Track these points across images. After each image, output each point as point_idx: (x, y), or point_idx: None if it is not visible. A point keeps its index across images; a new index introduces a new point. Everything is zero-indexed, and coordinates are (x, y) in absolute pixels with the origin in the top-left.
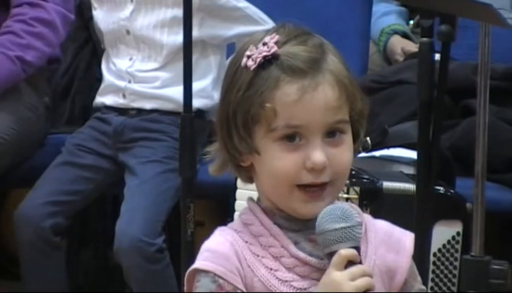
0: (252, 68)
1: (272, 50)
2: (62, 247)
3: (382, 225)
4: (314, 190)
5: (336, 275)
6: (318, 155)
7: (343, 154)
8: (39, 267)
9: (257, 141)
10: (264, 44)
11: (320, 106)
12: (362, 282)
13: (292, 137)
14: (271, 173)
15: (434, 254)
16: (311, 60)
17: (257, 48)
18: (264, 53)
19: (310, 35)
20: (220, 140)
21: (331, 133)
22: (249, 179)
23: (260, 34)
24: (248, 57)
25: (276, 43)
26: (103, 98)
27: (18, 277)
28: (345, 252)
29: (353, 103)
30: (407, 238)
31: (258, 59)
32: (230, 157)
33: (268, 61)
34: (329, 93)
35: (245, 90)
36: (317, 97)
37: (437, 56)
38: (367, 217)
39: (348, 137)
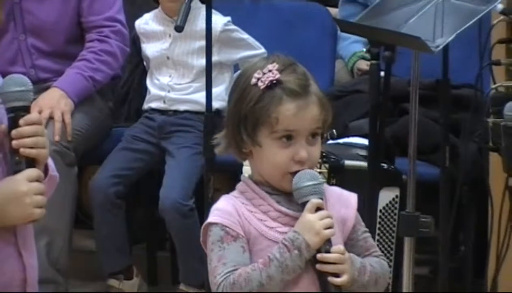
0: (261, 87)
1: (277, 77)
2: (122, 207)
3: (335, 189)
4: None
5: (309, 217)
6: (303, 152)
7: (317, 150)
8: (106, 221)
9: (261, 138)
10: (269, 70)
11: (308, 118)
12: (327, 221)
13: (287, 138)
14: (269, 162)
15: (380, 211)
16: (303, 85)
17: (263, 73)
18: (271, 78)
19: (295, 65)
20: (229, 132)
21: (312, 136)
22: (244, 159)
23: (261, 61)
24: (258, 79)
25: (277, 70)
26: (150, 104)
27: (92, 227)
28: (316, 200)
29: (326, 116)
30: (353, 197)
31: (266, 82)
32: (235, 144)
33: (274, 84)
34: (315, 111)
35: (255, 103)
36: (307, 113)
37: (382, 73)
38: (325, 185)
39: (319, 139)
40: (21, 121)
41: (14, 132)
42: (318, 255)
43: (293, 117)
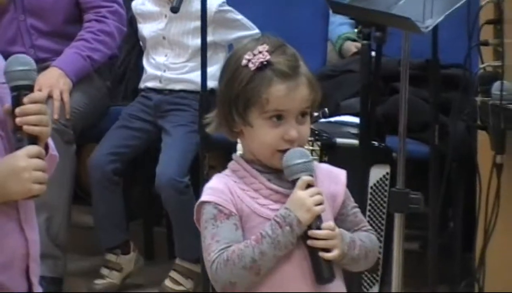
0: (252, 69)
1: (267, 58)
2: (119, 184)
3: (324, 166)
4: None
5: (301, 193)
6: (293, 131)
7: (306, 129)
8: (104, 197)
9: (252, 118)
10: (260, 52)
11: (298, 99)
12: (318, 198)
13: (277, 117)
14: (260, 142)
15: (371, 187)
16: (293, 67)
17: (254, 54)
18: (261, 60)
19: (285, 46)
20: (220, 112)
21: (301, 115)
22: (235, 138)
23: (252, 42)
24: (248, 60)
25: (267, 51)
26: (146, 83)
27: (90, 203)
28: (306, 178)
29: (315, 96)
30: (342, 174)
31: (257, 63)
32: (226, 124)
33: (264, 65)
34: (304, 91)
35: (246, 83)
36: (297, 93)
37: (373, 54)
38: (315, 163)
39: (308, 118)
40: (25, 99)
41: (18, 110)
42: (309, 232)
43: (283, 98)
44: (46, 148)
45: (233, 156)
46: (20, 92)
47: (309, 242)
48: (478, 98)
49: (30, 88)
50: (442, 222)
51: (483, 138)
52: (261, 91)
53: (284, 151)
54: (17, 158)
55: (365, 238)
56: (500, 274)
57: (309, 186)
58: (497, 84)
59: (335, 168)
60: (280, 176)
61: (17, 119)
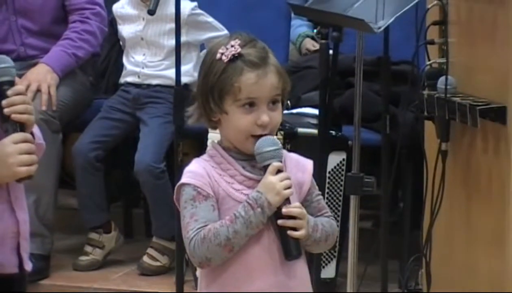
0: (225, 61)
1: (238, 50)
2: (101, 169)
3: (293, 155)
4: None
5: (271, 178)
6: (265, 116)
7: (278, 115)
8: (87, 182)
9: (226, 106)
10: (232, 46)
11: (268, 86)
12: (287, 182)
13: (250, 105)
14: (235, 127)
15: (329, 172)
16: (262, 57)
17: (226, 48)
18: (233, 52)
19: (256, 41)
20: (199, 103)
21: (272, 103)
22: (214, 128)
23: (225, 39)
24: (221, 54)
25: (239, 45)
26: (126, 78)
27: (74, 187)
28: (277, 164)
29: (284, 84)
30: (308, 163)
31: (229, 56)
32: (205, 114)
33: (236, 57)
34: (273, 79)
35: (220, 74)
36: (266, 80)
37: (331, 51)
38: (284, 152)
39: (280, 105)
40: (9, 92)
41: (4, 101)
42: (284, 209)
43: (254, 85)
44: (33, 137)
45: (212, 142)
46: (1, 87)
47: (280, 221)
48: (425, 92)
49: (11, 83)
50: (392, 203)
51: (429, 128)
52: (233, 80)
53: (257, 136)
54: (3, 145)
55: (326, 223)
56: (444, 250)
57: (279, 171)
58: (442, 79)
59: (303, 158)
60: (252, 163)
61: (5, 110)
